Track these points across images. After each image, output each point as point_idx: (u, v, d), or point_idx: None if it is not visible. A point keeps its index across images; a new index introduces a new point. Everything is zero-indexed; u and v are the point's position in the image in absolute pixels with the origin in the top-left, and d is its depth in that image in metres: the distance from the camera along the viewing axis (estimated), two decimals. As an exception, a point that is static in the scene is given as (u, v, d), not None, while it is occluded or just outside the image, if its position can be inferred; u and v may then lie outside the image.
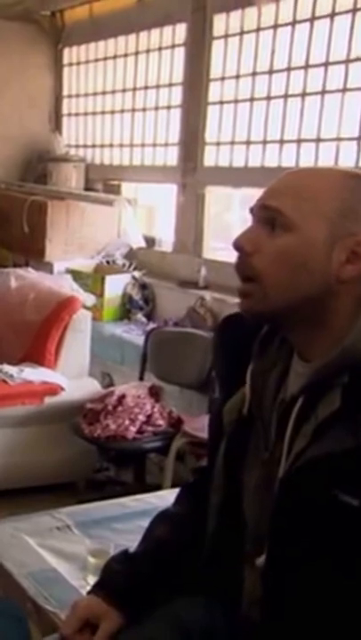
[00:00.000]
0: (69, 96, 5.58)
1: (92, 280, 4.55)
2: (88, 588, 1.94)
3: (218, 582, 1.48)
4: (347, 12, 3.39)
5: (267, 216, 1.28)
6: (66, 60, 5.56)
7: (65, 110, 5.63)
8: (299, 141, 3.68)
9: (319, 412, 1.24)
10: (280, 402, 1.33)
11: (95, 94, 5.29)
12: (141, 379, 3.90)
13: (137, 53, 4.82)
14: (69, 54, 5.52)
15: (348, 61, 3.40)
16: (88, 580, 1.97)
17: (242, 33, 3.97)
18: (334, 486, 1.16)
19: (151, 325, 4.25)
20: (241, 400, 1.37)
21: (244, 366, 1.37)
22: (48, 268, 4.72)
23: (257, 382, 1.36)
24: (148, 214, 5.15)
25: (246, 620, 1.40)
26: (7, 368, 3.74)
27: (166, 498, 2.48)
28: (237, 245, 1.29)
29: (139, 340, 4.07)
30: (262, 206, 1.29)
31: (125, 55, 4.93)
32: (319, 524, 1.20)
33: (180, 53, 4.45)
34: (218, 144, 4.21)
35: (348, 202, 1.25)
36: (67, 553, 2.12)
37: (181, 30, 4.41)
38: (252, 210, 1.33)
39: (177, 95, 4.50)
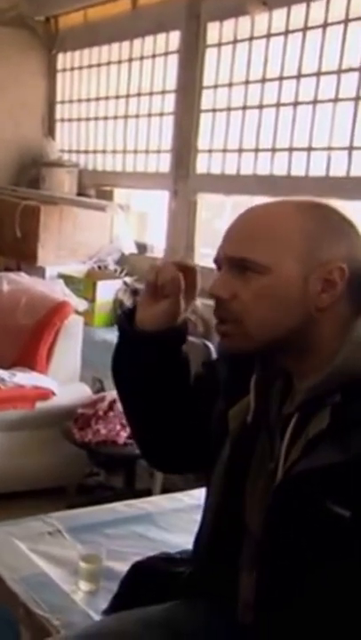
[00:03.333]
0: (63, 102, 5.59)
1: (84, 285, 4.56)
2: (80, 593, 1.97)
3: (213, 586, 1.50)
4: (339, 22, 3.41)
5: (236, 264, 1.30)
6: (60, 66, 5.57)
7: (58, 116, 5.64)
8: (290, 150, 3.70)
9: (310, 428, 1.28)
10: (284, 416, 1.36)
11: (89, 100, 5.30)
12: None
13: (130, 60, 4.84)
14: (63, 60, 5.53)
15: (340, 71, 3.42)
16: (80, 585, 1.99)
17: (235, 41, 4.00)
18: (326, 498, 1.20)
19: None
20: (245, 408, 1.39)
21: (247, 375, 1.40)
22: (40, 272, 4.72)
23: (261, 392, 1.38)
24: (140, 220, 5.17)
25: (241, 625, 1.42)
26: (-1, 372, 3.75)
27: (158, 503, 2.51)
28: (214, 294, 1.32)
29: (130, 345, 4.07)
30: (230, 258, 1.32)
31: (119, 62, 4.94)
32: (311, 534, 1.23)
33: (173, 61, 4.47)
34: (210, 151, 4.23)
35: (312, 234, 1.28)
36: (58, 558, 2.13)
37: (175, 38, 4.43)
38: (216, 260, 1.35)
39: (170, 102, 4.52)
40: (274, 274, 1.27)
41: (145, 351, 1.48)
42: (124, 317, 1.53)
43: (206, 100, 4.23)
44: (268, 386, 1.40)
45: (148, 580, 1.67)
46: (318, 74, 3.53)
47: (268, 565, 1.32)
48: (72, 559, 2.08)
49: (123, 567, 1.85)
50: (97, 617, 1.84)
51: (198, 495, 2.42)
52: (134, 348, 1.50)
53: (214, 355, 3.52)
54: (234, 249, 1.32)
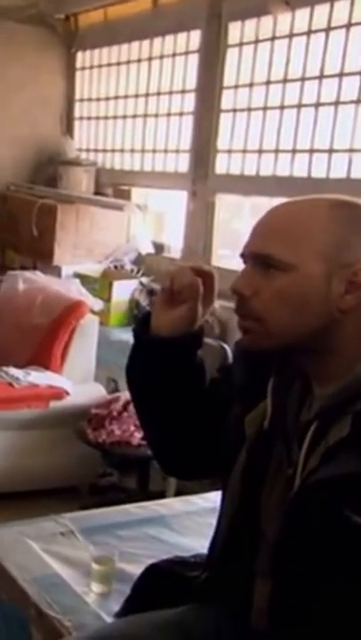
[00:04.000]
0: (81, 100, 5.58)
1: (100, 285, 4.54)
2: (92, 594, 1.94)
3: (228, 591, 1.47)
4: (363, 23, 3.39)
5: (260, 260, 1.29)
6: (79, 64, 5.56)
7: (77, 114, 5.63)
8: (311, 151, 3.67)
9: (330, 436, 1.25)
10: (303, 422, 1.33)
11: (107, 99, 5.29)
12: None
13: (150, 59, 4.82)
14: (82, 58, 5.52)
15: (362, 73, 3.40)
16: (92, 586, 1.97)
17: (257, 41, 3.97)
18: (345, 507, 1.17)
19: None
20: (262, 413, 1.37)
21: (264, 379, 1.37)
22: (56, 271, 4.71)
23: (278, 398, 1.36)
24: (157, 220, 5.15)
25: (254, 632, 1.40)
26: (13, 371, 3.73)
27: (171, 506, 2.49)
28: (235, 290, 1.30)
29: (145, 346, 4.05)
30: (254, 254, 1.30)
31: (139, 60, 4.93)
32: (328, 542, 1.21)
33: (193, 60, 4.44)
34: (230, 152, 4.21)
35: (339, 234, 1.26)
36: (70, 559, 2.11)
37: (196, 37, 4.41)
38: (243, 255, 1.33)
39: (190, 102, 4.50)
40: (297, 272, 1.25)
41: (160, 357, 1.46)
42: (139, 322, 1.51)
43: (226, 100, 4.20)
44: (286, 391, 1.38)
45: (161, 584, 1.65)
46: (341, 75, 3.49)
47: (284, 572, 1.30)
48: (84, 560, 2.06)
49: (135, 569, 1.83)
50: (109, 619, 1.82)
51: (212, 498, 2.40)
52: (149, 353, 1.48)
53: (230, 357, 3.49)
54: (259, 245, 1.30)
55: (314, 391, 1.34)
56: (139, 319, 1.53)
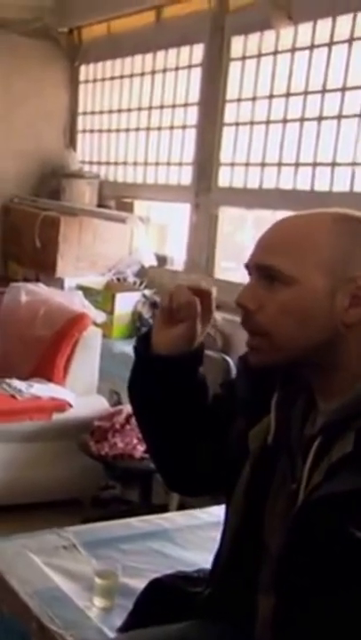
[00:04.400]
0: (85, 113, 5.61)
1: (103, 297, 4.55)
2: (94, 609, 1.94)
3: (230, 607, 1.47)
4: (365, 37, 3.40)
5: (264, 273, 1.29)
6: (82, 77, 5.59)
7: (80, 127, 5.66)
8: (314, 165, 3.68)
9: (333, 452, 1.25)
10: (307, 437, 1.33)
11: (111, 112, 5.31)
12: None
13: (153, 72, 4.84)
14: (86, 71, 5.55)
15: (365, 87, 3.41)
16: (94, 601, 1.96)
17: (259, 55, 3.98)
18: (348, 523, 1.17)
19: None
20: (266, 428, 1.37)
21: (268, 394, 1.37)
22: (59, 283, 4.72)
23: (282, 413, 1.36)
24: (160, 233, 5.16)
25: None
26: (16, 383, 3.74)
27: (174, 520, 2.48)
28: (240, 304, 1.31)
29: (148, 358, 4.05)
30: (258, 266, 1.31)
31: (142, 74, 4.95)
32: (332, 557, 1.21)
33: (196, 74, 4.46)
34: (232, 165, 4.22)
35: (344, 248, 1.26)
36: (73, 572, 2.11)
37: (199, 51, 4.42)
38: (247, 266, 1.34)
39: (192, 115, 4.51)
40: (300, 286, 1.26)
41: (160, 375, 1.47)
42: (139, 340, 1.51)
43: (229, 113, 4.22)
44: (290, 406, 1.38)
45: (164, 599, 1.65)
46: (343, 89, 3.51)
47: (287, 586, 1.29)
48: (87, 574, 2.06)
49: (138, 584, 1.83)
50: (111, 634, 1.81)
51: (215, 512, 2.40)
52: (149, 371, 1.49)
53: (233, 370, 3.49)
54: (262, 256, 1.31)
55: (318, 406, 1.34)
56: (139, 337, 1.54)
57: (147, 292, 4.59)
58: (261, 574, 1.40)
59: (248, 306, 1.30)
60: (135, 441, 3.42)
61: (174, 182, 4.72)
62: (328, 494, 1.21)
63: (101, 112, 5.42)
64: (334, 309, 1.25)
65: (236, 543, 1.46)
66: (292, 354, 1.30)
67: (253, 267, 1.32)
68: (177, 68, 4.63)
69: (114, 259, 4.90)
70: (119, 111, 5.22)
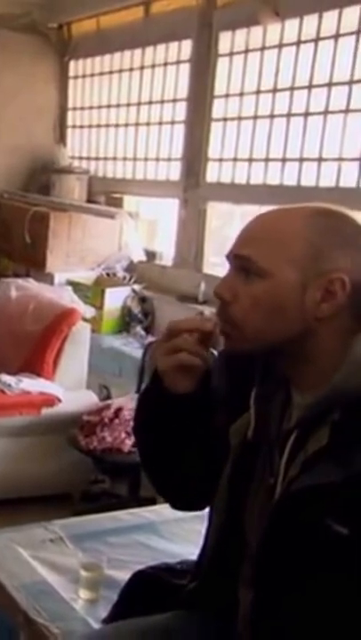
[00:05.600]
0: (74, 108, 5.62)
1: (92, 292, 4.56)
2: (80, 601, 1.96)
3: (214, 601, 1.49)
4: (351, 33, 3.42)
5: (241, 264, 1.31)
6: (72, 73, 5.59)
7: (70, 122, 5.67)
8: (301, 160, 3.70)
9: (309, 446, 1.27)
10: (284, 431, 1.34)
11: (100, 107, 5.32)
12: (139, 392, 3.91)
13: (142, 68, 4.85)
14: (75, 67, 5.56)
15: (351, 82, 3.43)
16: (80, 593, 1.98)
17: (247, 51, 4.01)
18: (325, 515, 1.19)
19: (150, 339, 4.26)
20: (246, 424, 1.38)
21: (247, 389, 1.39)
22: (49, 278, 4.73)
23: (261, 407, 1.37)
24: (149, 228, 5.17)
25: (239, 638, 1.42)
26: (5, 378, 3.75)
27: (161, 512, 2.50)
28: (217, 294, 1.32)
29: (137, 352, 4.08)
30: (235, 255, 1.32)
31: (131, 69, 4.96)
32: (309, 550, 1.23)
33: (185, 69, 4.48)
34: (220, 160, 4.24)
35: (316, 243, 1.27)
36: (59, 565, 2.12)
37: (187, 46, 4.44)
38: (227, 257, 1.35)
39: (181, 111, 4.53)
40: (273, 279, 1.27)
41: (183, 414, 1.43)
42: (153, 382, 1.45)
43: (217, 108, 4.24)
44: (269, 401, 1.39)
45: (148, 591, 1.67)
46: (330, 84, 3.53)
47: (265, 581, 1.31)
48: (73, 567, 2.08)
49: (123, 576, 1.84)
50: (97, 625, 1.83)
51: (201, 505, 2.42)
52: (170, 411, 1.44)
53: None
54: (240, 247, 1.32)
55: (294, 400, 1.36)
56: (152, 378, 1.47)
57: (136, 286, 4.61)
58: (243, 569, 1.42)
59: (224, 295, 1.31)
60: (123, 435, 3.44)
61: (163, 178, 4.74)
62: (305, 487, 1.23)
63: (91, 107, 5.43)
64: (306, 303, 1.27)
65: (219, 540, 1.47)
66: (261, 345, 1.31)
67: (232, 257, 1.33)
68: (165, 64, 4.65)
69: (103, 254, 4.91)
70: (108, 106, 5.23)
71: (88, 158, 5.48)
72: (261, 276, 1.28)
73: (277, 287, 1.27)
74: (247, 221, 1.36)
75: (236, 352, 1.36)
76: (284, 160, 3.81)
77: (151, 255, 4.88)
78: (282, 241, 1.28)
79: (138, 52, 4.88)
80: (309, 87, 3.63)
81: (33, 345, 3.99)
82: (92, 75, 5.38)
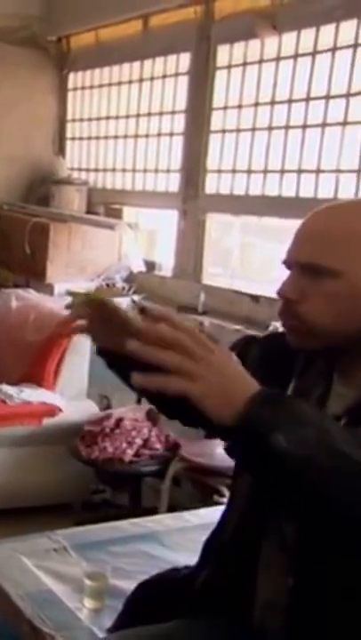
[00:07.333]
0: (73, 120, 5.65)
1: (92, 303, 4.57)
2: (85, 610, 1.98)
3: (227, 590, 1.49)
4: (348, 46, 3.45)
5: (308, 268, 1.30)
6: (71, 85, 5.62)
7: (69, 134, 5.70)
8: (299, 172, 3.73)
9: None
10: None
11: (99, 119, 5.35)
12: (139, 402, 3.93)
13: (141, 80, 4.88)
14: (74, 79, 5.59)
15: (348, 95, 3.46)
16: (84, 602, 2.00)
17: (245, 64, 4.04)
18: None
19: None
20: None
21: (284, 383, 1.39)
22: (49, 289, 4.75)
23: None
24: (148, 239, 5.20)
25: (258, 632, 1.42)
26: (6, 388, 3.78)
27: (163, 522, 2.53)
28: (282, 295, 1.31)
29: (137, 363, 4.08)
30: (300, 264, 1.31)
31: (130, 82, 4.99)
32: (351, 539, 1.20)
33: (183, 82, 4.51)
34: (219, 172, 4.27)
35: None
36: (63, 575, 2.15)
37: (185, 59, 4.47)
38: (285, 262, 1.34)
39: (180, 123, 4.56)
40: (346, 278, 1.27)
41: None
42: None
43: (216, 120, 4.27)
44: (306, 395, 1.39)
45: (153, 599, 1.68)
46: (327, 97, 3.56)
47: (308, 569, 1.31)
48: (77, 576, 2.10)
49: (128, 585, 1.86)
50: (101, 634, 1.85)
51: (204, 514, 2.45)
52: None
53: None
54: (305, 254, 1.31)
55: (337, 391, 1.35)
56: None
57: (135, 297, 4.63)
58: (272, 557, 1.41)
59: (291, 296, 1.30)
60: (124, 445, 3.46)
61: (162, 189, 4.77)
62: None
63: (90, 119, 5.46)
64: None
65: (240, 525, 1.47)
66: (328, 342, 1.31)
67: (295, 264, 1.32)
68: (164, 76, 4.68)
69: (103, 264, 4.93)
70: (107, 118, 5.26)
71: (87, 170, 5.51)
72: (334, 276, 1.27)
73: (350, 286, 1.27)
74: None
75: (304, 348, 1.36)
76: (282, 171, 3.84)
77: (151, 266, 4.91)
78: (351, 238, 1.27)
79: (137, 64, 4.91)
80: (307, 99, 3.66)
81: (34, 355, 4.02)
82: (92, 87, 5.41)
